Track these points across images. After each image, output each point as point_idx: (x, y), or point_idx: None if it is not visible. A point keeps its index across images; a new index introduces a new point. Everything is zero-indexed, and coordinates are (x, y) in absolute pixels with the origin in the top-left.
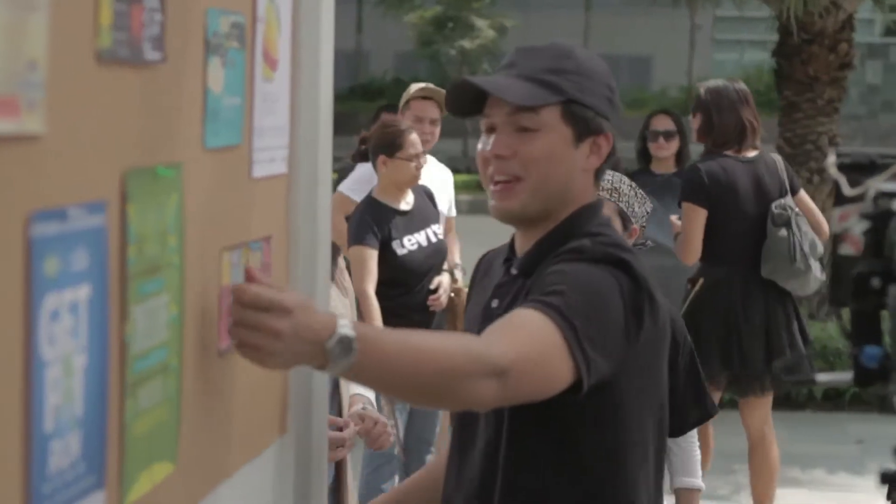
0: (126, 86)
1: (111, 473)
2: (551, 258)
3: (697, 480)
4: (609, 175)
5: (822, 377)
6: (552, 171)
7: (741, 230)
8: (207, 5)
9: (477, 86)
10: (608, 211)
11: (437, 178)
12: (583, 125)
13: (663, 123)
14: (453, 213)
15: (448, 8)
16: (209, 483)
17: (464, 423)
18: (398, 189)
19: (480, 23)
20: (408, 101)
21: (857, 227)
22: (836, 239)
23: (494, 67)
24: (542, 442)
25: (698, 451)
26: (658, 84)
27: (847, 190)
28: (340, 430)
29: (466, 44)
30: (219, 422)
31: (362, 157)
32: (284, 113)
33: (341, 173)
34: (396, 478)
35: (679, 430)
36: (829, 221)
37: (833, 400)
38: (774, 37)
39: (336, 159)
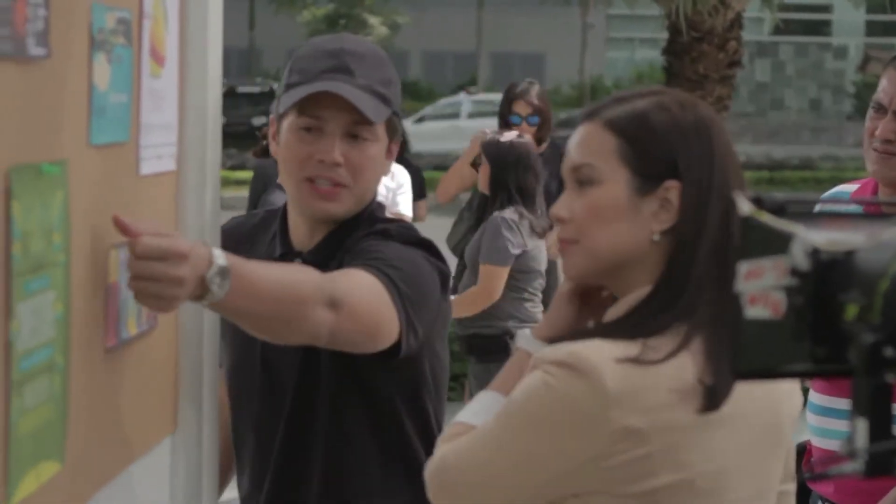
0: (9, 81)
1: None
2: (352, 243)
3: None
4: None
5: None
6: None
7: None
8: (92, 1)
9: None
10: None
11: None
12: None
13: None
14: None
15: (340, 5)
16: (98, 481)
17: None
18: None
19: (373, 20)
20: None
21: (777, 285)
22: (739, 299)
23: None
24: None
25: None
26: (551, 81)
27: (802, 245)
28: None
29: None
30: (107, 420)
31: (264, 152)
32: (172, 110)
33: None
34: None
35: None
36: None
37: None
38: (665, 35)
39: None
